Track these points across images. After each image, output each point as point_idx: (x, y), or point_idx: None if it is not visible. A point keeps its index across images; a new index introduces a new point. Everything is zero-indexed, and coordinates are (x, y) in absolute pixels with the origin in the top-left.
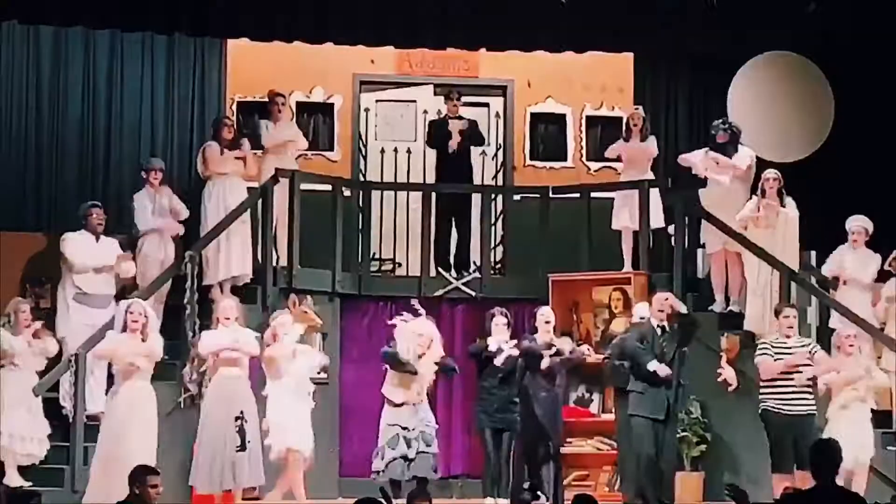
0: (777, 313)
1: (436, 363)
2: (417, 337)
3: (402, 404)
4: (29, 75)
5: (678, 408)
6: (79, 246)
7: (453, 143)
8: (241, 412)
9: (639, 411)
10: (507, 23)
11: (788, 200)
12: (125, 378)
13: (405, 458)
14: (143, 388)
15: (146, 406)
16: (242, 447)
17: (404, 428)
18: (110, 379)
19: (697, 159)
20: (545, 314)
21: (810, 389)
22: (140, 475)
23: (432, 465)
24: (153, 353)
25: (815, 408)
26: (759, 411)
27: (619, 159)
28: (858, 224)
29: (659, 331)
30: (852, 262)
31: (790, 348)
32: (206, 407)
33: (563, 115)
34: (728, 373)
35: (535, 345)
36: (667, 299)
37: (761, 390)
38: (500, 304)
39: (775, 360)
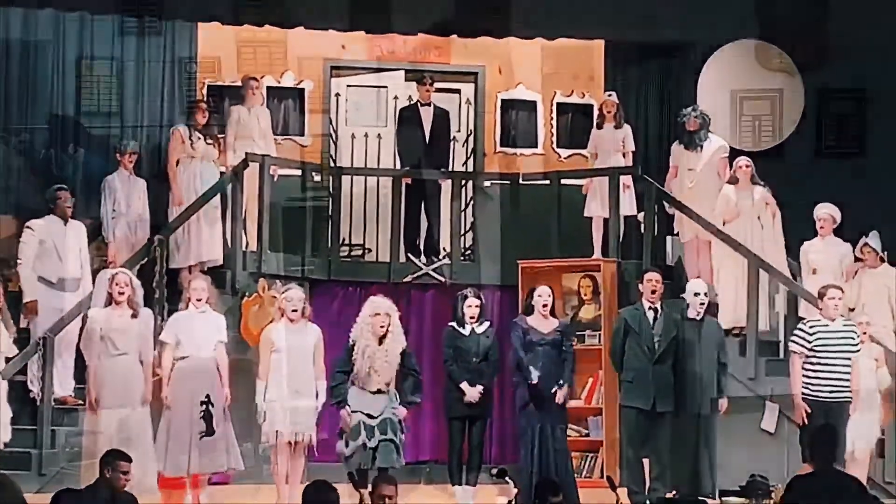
0: (821, 295)
1: (401, 353)
2: (373, 318)
3: (372, 391)
4: None
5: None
6: (43, 234)
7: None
8: (207, 396)
9: (626, 402)
10: (479, 9)
11: (759, 188)
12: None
13: (366, 447)
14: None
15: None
16: (209, 432)
17: (368, 415)
18: (78, 362)
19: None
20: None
21: (849, 373)
22: (111, 460)
23: (395, 455)
24: (142, 331)
25: (850, 392)
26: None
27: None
28: (825, 212)
29: (650, 314)
30: (820, 250)
31: (833, 331)
32: (171, 390)
33: (534, 102)
34: None
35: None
36: (657, 281)
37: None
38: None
39: (812, 345)
